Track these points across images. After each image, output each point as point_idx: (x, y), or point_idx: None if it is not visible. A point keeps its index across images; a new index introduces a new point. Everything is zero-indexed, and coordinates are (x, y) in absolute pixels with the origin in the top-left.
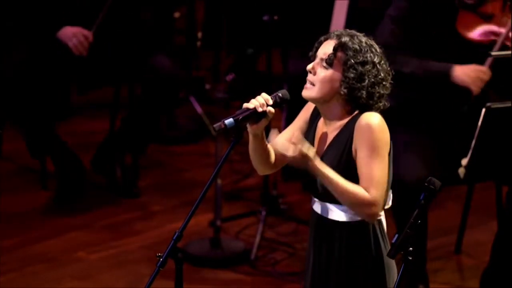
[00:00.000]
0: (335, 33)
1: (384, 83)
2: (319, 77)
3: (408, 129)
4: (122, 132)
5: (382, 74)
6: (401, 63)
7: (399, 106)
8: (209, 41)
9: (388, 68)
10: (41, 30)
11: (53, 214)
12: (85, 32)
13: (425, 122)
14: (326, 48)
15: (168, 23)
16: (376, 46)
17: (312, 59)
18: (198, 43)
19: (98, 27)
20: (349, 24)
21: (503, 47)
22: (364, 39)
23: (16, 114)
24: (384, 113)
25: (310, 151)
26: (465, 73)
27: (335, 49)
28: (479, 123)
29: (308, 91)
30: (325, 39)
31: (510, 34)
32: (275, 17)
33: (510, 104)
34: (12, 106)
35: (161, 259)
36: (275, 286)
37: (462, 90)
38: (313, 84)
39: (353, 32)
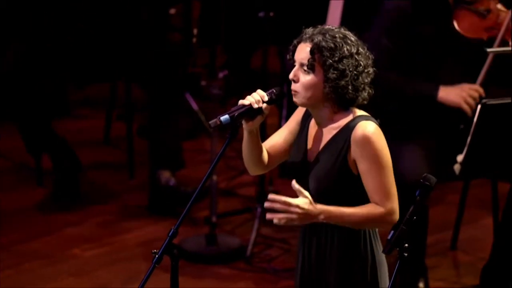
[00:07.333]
0: (306, 35)
1: (366, 70)
2: (302, 84)
3: (406, 132)
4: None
5: (362, 63)
6: (393, 81)
7: (396, 118)
8: (205, 38)
9: (367, 53)
10: (39, 28)
11: (49, 211)
12: None
13: (420, 132)
14: (303, 53)
15: (164, 21)
16: (350, 35)
17: (291, 62)
18: (194, 40)
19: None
20: (344, 23)
21: (503, 42)
22: (336, 33)
23: (13, 111)
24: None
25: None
26: (452, 93)
27: (312, 52)
28: (475, 119)
29: (297, 98)
30: (298, 42)
31: (509, 28)
32: (271, 14)
33: (504, 101)
34: (9, 103)
35: (156, 256)
36: (270, 282)
37: (455, 110)
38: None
39: (323, 28)
